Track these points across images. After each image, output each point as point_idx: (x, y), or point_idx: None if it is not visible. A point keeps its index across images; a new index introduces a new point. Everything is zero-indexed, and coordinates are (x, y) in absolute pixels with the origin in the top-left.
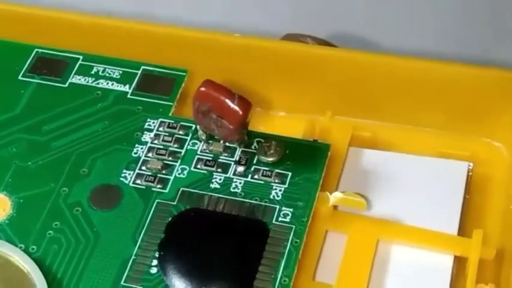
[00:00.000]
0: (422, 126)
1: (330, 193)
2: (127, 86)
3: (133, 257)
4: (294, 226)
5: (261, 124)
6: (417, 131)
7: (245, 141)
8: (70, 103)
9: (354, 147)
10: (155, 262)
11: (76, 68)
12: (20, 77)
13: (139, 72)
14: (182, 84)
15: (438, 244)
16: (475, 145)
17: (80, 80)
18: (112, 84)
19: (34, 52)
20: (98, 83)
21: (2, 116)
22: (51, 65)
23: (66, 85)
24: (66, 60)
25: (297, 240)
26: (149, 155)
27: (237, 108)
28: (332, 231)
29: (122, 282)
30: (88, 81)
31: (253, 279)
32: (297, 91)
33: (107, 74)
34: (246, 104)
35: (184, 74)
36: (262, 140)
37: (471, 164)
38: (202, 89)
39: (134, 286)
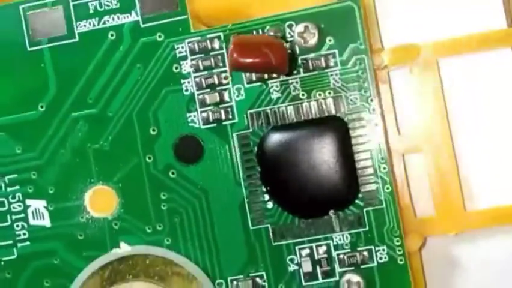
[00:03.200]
0: None
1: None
2: (133, 13)
3: (246, 200)
4: (366, 108)
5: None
6: None
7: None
8: (93, 58)
9: None
10: (267, 197)
11: (73, 15)
12: (29, 48)
13: None
14: None
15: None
16: None
17: (85, 26)
18: (118, 17)
19: (21, 11)
20: (104, 22)
21: (44, 100)
22: (48, 20)
23: (77, 39)
24: (57, 6)
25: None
26: (200, 89)
27: (276, 66)
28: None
29: (251, 227)
30: (93, 25)
31: (357, 179)
32: None
33: (105, 8)
34: (281, 51)
35: None
36: (294, 24)
37: None
38: (235, 55)
39: (263, 226)
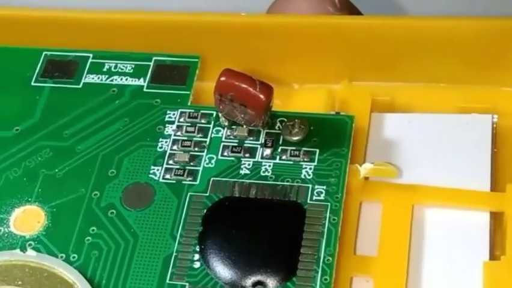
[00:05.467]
0: (440, 82)
1: (360, 165)
2: (142, 79)
3: (174, 253)
4: (329, 203)
5: (278, 100)
6: (436, 88)
7: (268, 123)
8: (87, 104)
9: (375, 112)
10: (197, 256)
11: (87, 67)
12: (33, 83)
13: (152, 63)
14: (197, 71)
15: (473, 202)
16: (496, 96)
17: (93, 78)
18: (126, 79)
19: (43, 55)
20: (112, 80)
21: (22, 125)
22: (62, 67)
23: (80, 86)
24: (76, 60)
25: (335, 218)
26: (175, 147)
27: (259, 94)
28: (366, 202)
29: (167, 281)
30: (101, 79)
31: (296, 263)
32: (310, 62)
33: (119, 70)
34: (268, 89)
35: (197, 60)
36: (285, 119)
37: (495, 116)
38: (222, 78)
39: (180, 283)
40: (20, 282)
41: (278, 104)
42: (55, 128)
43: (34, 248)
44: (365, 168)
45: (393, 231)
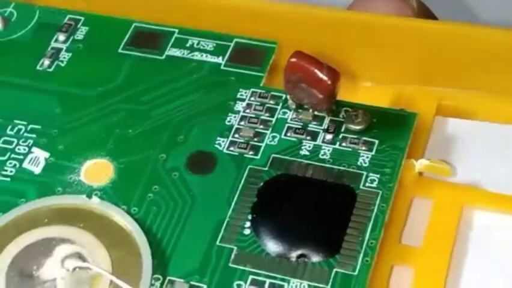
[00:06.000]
0: (507, 94)
1: (416, 160)
2: (220, 57)
3: (227, 219)
4: (380, 191)
5: (347, 94)
6: (502, 99)
7: (333, 110)
8: (167, 74)
9: (439, 116)
10: (248, 224)
11: (172, 41)
12: (119, 50)
13: (232, 44)
14: (273, 56)
15: None
16: None
17: (176, 52)
18: (206, 56)
19: (133, 27)
20: (193, 55)
21: (104, 87)
22: (149, 39)
23: (163, 57)
24: (163, 33)
25: (384, 205)
26: (242, 123)
27: (326, 77)
28: (417, 198)
29: (217, 242)
30: (183, 54)
31: (341, 242)
32: (383, 62)
33: (201, 47)
34: (334, 73)
35: (274, 45)
36: (350, 109)
37: None
38: (293, 59)
39: (229, 246)
40: (81, 225)
41: (348, 98)
42: (134, 93)
43: (99, 198)
44: (420, 164)
45: (440, 227)
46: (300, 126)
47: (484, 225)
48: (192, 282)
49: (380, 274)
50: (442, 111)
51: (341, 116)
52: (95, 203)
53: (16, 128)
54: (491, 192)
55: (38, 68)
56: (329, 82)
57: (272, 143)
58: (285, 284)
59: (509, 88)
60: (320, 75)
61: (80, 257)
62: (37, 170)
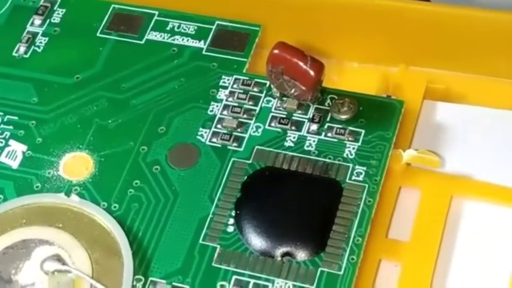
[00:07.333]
0: (498, 76)
1: (404, 150)
2: (202, 42)
3: (210, 215)
4: (367, 185)
5: (334, 74)
6: (493, 81)
7: (318, 98)
8: (147, 60)
9: (428, 99)
10: (231, 221)
11: (151, 24)
12: (98, 34)
13: (214, 27)
14: (256, 40)
15: None
16: None
17: (156, 36)
18: (188, 40)
19: (111, 8)
20: (173, 39)
21: (83, 74)
22: (128, 21)
23: (143, 42)
24: (142, 16)
25: (370, 200)
26: (225, 113)
27: (309, 70)
28: (404, 188)
29: (200, 241)
30: (163, 38)
31: (326, 239)
32: (370, 42)
33: (182, 30)
34: (318, 65)
35: (258, 28)
36: (336, 97)
37: None
38: (275, 51)
39: (212, 244)
40: (60, 225)
41: (334, 80)
42: (114, 80)
43: (79, 194)
44: (408, 155)
45: (428, 220)
46: (284, 116)
47: (473, 216)
48: (174, 283)
49: (367, 269)
50: (431, 94)
51: (326, 104)
52: (75, 202)
53: None
54: (482, 181)
55: (13, 54)
56: (313, 74)
57: (256, 133)
58: (270, 285)
59: (502, 70)
60: (304, 67)
61: (59, 259)
62: (15, 164)
